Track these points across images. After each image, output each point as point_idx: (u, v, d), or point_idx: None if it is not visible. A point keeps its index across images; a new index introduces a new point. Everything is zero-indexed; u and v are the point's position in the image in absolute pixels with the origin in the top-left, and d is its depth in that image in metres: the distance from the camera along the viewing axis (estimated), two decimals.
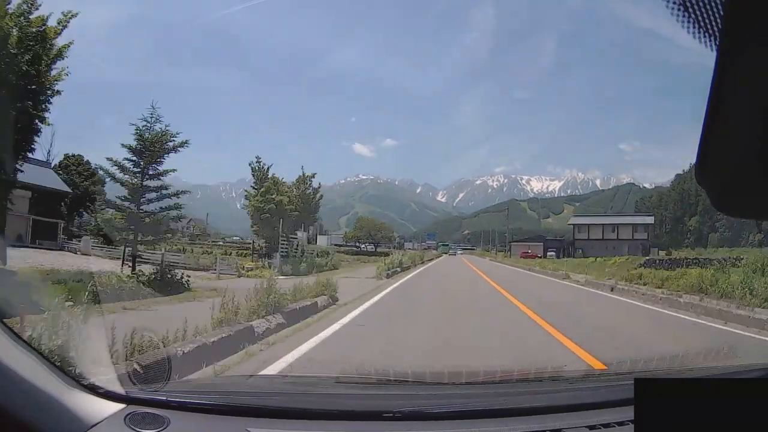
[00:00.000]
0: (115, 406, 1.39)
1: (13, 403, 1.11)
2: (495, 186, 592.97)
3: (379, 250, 64.93)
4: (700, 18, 0.64)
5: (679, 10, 0.64)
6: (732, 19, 0.62)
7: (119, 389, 1.47)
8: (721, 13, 0.63)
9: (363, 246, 71.46)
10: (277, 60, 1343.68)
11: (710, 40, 0.64)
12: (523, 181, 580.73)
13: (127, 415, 1.37)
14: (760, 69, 0.61)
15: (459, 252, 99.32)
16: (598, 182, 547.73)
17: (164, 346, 2.75)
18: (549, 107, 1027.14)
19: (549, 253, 59.60)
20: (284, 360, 4.73)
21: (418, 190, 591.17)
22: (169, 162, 14.15)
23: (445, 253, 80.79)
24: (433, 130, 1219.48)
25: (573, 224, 71.63)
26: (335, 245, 69.98)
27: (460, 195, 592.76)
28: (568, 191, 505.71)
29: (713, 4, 0.63)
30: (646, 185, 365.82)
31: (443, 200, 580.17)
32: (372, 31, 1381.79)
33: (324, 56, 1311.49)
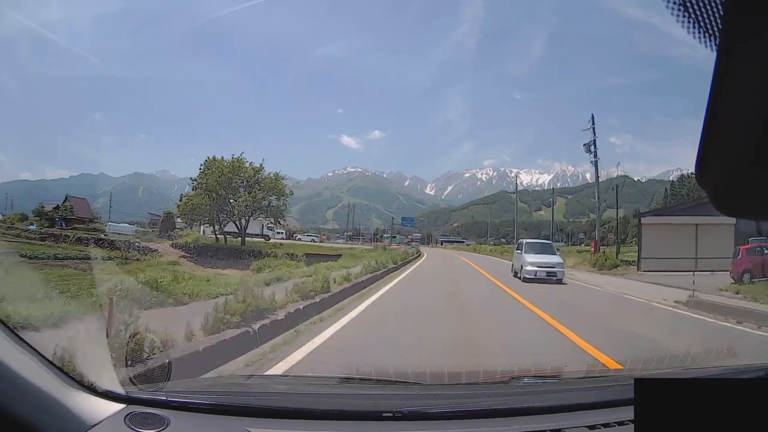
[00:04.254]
0: (115, 407, 1.39)
1: (14, 404, 1.10)
2: (484, 179, 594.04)
3: (259, 240, 36.73)
4: (700, 18, 0.64)
5: (679, 10, 0.64)
6: (732, 19, 0.62)
7: (119, 389, 1.47)
8: (721, 13, 0.63)
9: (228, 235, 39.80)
10: (261, 53, 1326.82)
11: (710, 40, 0.65)
12: (512, 174, 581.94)
13: (128, 415, 1.36)
14: (760, 69, 0.61)
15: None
16: (588, 175, 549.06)
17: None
18: (539, 100, 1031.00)
19: None
20: None
21: (407, 183, 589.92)
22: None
23: (416, 259, 30.42)
24: (422, 122, 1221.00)
25: None
26: (230, 233, 40.16)
27: (449, 188, 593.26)
28: (558, 184, 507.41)
29: (713, 4, 0.63)
30: (638, 178, 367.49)
31: (432, 193, 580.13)
32: (359, 22, 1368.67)
33: (310, 49, 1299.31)
